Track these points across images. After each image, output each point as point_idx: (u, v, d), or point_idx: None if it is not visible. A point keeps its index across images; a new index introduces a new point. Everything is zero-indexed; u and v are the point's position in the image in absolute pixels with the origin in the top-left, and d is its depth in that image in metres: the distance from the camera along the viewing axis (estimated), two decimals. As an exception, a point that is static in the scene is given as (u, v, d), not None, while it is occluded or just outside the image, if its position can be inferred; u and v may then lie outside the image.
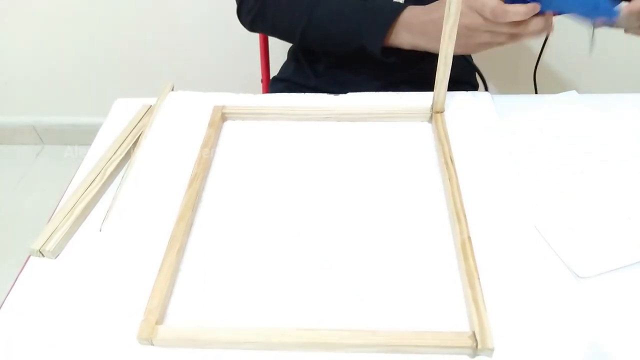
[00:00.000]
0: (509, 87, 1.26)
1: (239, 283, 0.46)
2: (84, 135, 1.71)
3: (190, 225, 0.50)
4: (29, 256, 0.51)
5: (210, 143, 0.58)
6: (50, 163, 1.75)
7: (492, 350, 0.40)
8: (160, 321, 0.42)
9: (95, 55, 1.50)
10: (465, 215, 0.49)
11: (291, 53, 0.89)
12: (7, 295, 0.47)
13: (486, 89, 0.74)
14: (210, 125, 0.60)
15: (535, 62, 0.74)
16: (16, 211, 1.58)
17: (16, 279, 0.49)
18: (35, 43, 1.50)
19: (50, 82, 1.61)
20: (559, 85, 1.32)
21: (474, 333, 0.40)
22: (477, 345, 0.39)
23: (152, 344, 0.41)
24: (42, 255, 0.50)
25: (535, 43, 0.71)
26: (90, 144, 0.62)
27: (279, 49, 0.98)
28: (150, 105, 0.67)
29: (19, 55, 1.55)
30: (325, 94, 0.66)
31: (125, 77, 1.51)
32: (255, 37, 1.00)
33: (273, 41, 0.93)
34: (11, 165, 1.74)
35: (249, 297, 0.45)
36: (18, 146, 1.80)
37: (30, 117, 1.74)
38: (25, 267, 0.50)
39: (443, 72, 0.55)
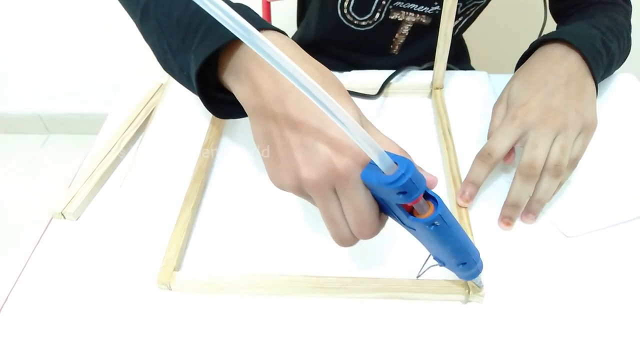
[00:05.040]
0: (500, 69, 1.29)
1: (248, 237, 0.49)
2: (90, 125, 1.75)
3: (203, 186, 0.53)
4: (51, 218, 0.54)
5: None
6: (55, 152, 1.77)
7: (482, 297, 0.43)
8: (177, 268, 0.45)
9: (101, 45, 1.51)
10: (460, 180, 0.52)
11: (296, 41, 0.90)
12: (31, 254, 0.50)
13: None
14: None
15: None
16: (22, 198, 1.59)
17: (39, 240, 0.51)
18: (41, 32, 1.51)
19: (56, 71, 1.62)
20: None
21: (466, 282, 0.44)
22: (469, 292, 0.43)
23: (170, 289, 0.44)
24: (64, 217, 0.53)
25: (532, 29, 0.74)
26: (95, 133, 0.63)
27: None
28: (162, 84, 0.70)
29: (25, 45, 1.56)
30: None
31: (131, 65, 1.53)
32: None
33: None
34: (18, 154, 1.76)
35: (258, 250, 0.48)
36: (24, 135, 1.82)
37: (37, 106, 1.75)
38: (47, 229, 0.52)
39: (442, 49, 0.59)
